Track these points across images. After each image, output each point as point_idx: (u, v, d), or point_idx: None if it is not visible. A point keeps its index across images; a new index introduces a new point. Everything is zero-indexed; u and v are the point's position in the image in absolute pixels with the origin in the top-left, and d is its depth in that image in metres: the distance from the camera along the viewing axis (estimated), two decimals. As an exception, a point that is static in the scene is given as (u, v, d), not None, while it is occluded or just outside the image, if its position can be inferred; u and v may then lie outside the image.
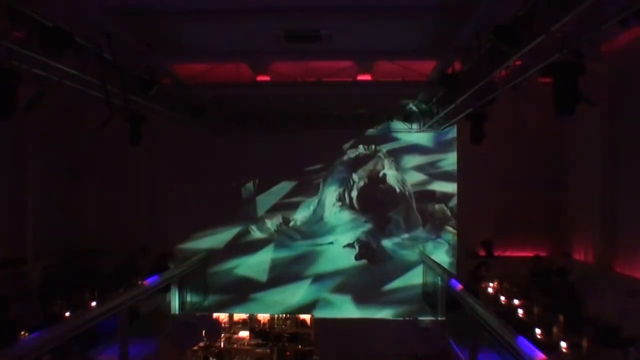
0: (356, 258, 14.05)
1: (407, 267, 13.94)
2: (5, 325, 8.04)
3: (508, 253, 13.12)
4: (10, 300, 9.22)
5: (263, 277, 14.07)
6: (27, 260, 11.35)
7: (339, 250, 14.12)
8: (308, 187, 14.30)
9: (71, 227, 13.40)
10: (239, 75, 11.34)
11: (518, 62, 7.19)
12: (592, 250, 11.22)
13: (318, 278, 14.03)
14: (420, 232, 14.08)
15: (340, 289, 13.90)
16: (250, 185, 14.30)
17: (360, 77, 11.65)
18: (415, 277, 13.76)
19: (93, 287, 9.68)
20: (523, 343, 6.47)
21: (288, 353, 8.71)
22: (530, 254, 12.92)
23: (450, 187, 13.86)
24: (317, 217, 14.31)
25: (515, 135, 13.03)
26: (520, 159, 13.22)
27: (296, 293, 13.91)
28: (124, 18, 7.79)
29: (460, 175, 13.63)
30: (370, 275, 13.90)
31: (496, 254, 13.06)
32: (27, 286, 10.56)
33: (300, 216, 14.30)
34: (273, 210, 14.27)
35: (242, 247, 14.16)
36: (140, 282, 10.18)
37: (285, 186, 14.33)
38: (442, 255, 13.68)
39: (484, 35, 6.92)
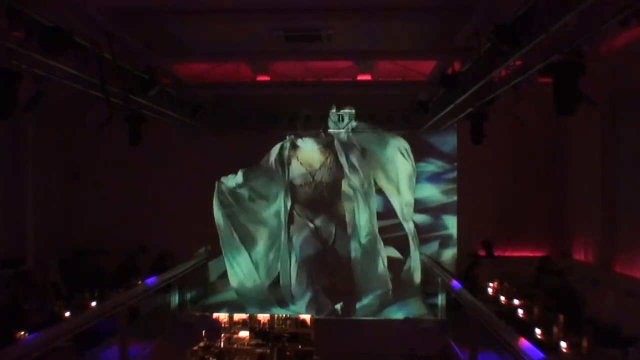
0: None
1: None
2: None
3: (508, 253, 13.12)
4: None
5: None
6: (26, 260, 11.35)
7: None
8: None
9: (71, 227, 13.40)
10: (239, 75, 11.37)
11: (518, 62, 7.20)
12: (592, 250, 11.21)
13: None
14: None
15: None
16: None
17: (360, 77, 11.67)
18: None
19: (93, 287, 9.66)
20: (523, 343, 6.48)
21: (288, 353, 8.66)
22: (530, 254, 12.92)
23: (451, 187, 13.84)
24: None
25: (515, 135, 13.03)
26: (520, 159, 13.21)
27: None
28: (124, 18, 7.80)
29: (460, 175, 13.62)
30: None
31: (496, 254, 13.06)
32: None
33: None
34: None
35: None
36: (140, 282, 10.18)
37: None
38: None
39: (484, 35, 6.92)
